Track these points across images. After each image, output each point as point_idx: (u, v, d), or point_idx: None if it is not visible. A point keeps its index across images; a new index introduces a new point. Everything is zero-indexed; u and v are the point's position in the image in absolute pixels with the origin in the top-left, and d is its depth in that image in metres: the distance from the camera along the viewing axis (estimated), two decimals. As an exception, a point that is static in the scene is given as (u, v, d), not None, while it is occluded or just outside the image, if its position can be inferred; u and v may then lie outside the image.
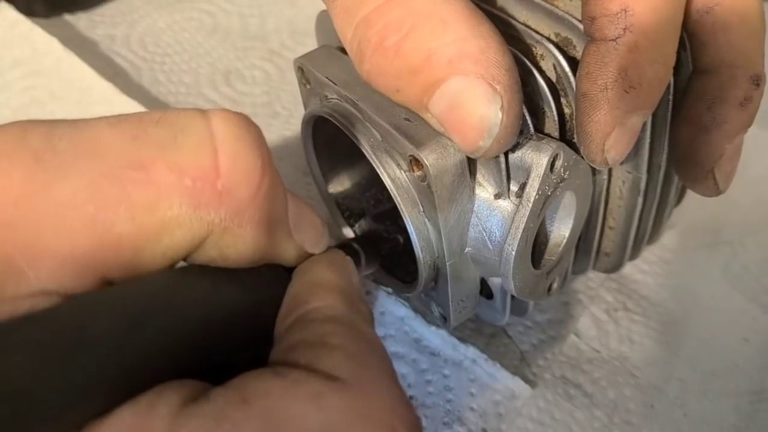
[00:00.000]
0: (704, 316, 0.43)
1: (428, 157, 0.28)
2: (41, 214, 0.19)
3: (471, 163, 0.30)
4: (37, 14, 0.58)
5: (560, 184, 0.30)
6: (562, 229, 0.34)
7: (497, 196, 0.30)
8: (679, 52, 0.31)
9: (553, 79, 0.30)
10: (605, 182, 0.35)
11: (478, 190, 0.31)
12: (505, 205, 0.30)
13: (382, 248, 0.36)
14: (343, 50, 0.32)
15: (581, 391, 0.39)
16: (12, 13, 0.56)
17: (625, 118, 0.28)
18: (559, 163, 0.30)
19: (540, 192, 0.29)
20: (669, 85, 0.31)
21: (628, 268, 0.45)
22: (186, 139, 0.21)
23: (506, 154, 0.29)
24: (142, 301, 0.21)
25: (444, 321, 0.36)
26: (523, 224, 0.30)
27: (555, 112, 0.30)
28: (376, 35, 0.26)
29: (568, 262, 0.35)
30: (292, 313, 0.24)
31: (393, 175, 0.30)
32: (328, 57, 0.34)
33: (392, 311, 0.41)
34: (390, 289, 0.41)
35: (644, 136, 0.32)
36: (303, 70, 0.34)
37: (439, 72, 0.25)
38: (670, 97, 0.32)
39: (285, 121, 0.53)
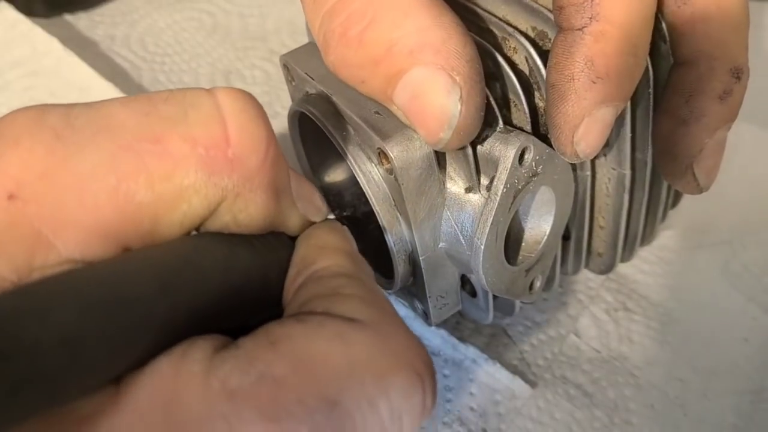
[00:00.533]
0: (704, 316, 0.43)
1: (393, 149, 0.28)
2: (65, 187, 0.20)
3: (441, 157, 0.30)
4: (37, 14, 0.58)
5: (533, 179, 0.30)
6: (541, 226, 0.33)
7: (468, 190, 0.30)
8: (659, 45, 0.31)
9: (526, 72, 0.30)
10: (589, 179, 0.34)
11: (449, 184, 0.31)
12: (476, 199, 0.30)
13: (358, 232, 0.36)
14: None
15: (581, 391, 0.39)
16: (12, 13, 0.56)
17: (594, 109, 0.27)
18: (529, 156, 0.29)
19: (509, 185, 0.29)
20: (649, 78, 0.31)
21: (629, 269, 0.45)
22: (196, 113, 0.22)
23: (474, 148, 0.29)
24: (169, 262, 0.22)
25: (426, 317, 0.36)
26: (491, 218, 0.29)
27: (526, 106, 0.30)
28: (340, 26, 0.26)
29: (551, 260, 0.35)
30: (301, 274, 0.25)
31: (365, 170, 0.31)
32: (311, 53, 0.34)
33: (392, 311, 0.41)
34: (390, 289, 0.41)
35: (624, 131, 0.32)
36: (287, 67, 0.35)
37: (400, 62, 0.25)
38: (651, 91, 0.32)
39: (284, 120, 0.53)
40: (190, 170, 0.22)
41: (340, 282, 0.24)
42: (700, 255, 0.46)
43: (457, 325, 0.41)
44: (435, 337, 0.40)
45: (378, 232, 0.33)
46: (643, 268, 0.45)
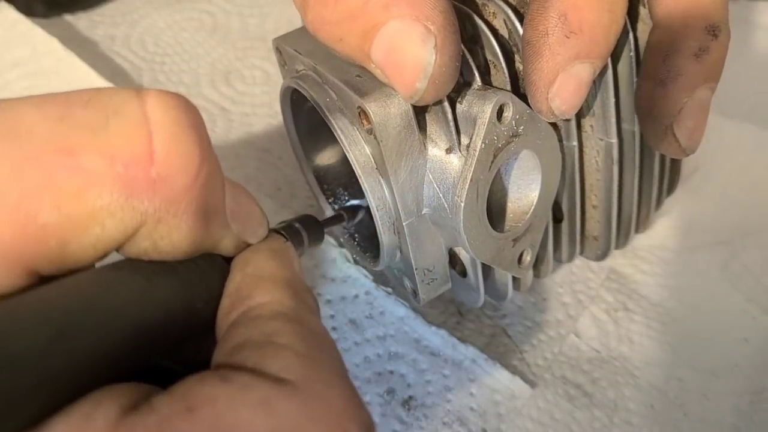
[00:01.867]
0: (704, 316, 0.43)
1: (371, 105, 0.29)
2: None
3: (421, 120, 0.30)
4: (37, 14, 0.58)
5: (513, 139, 0.30)
6: (528, 195, 0.34)
7: (449, 151, 0.31)
8: (638, 9, 0.31)
9: (506, 36, 0.31)
10: (576, 151, 0.35)
11: (430, 147, 0.31)
12: (457, 159, 0.31)
13: (327, 225, 0.36)
14: None
15: (581, 391, 0.39)
16: (12, 13, 0.56)
17: (569, 65, 0.28)
18: (508, 114, 0.30)
19: (487, 141, 0.29)
20: (629, 42, 0.32)
21: (629, 269, 0.45)
22: (118, 121, 0.20)
23: (453, 106, 0.30)
24: (69, 303, 0.19)
25: (414, 295, 0.36)
26: (471, 174, 0.30)
27: (505, 67, 0.30)
28: None
29: (540, 234, 0.35)
30: (235, 309, 0.23)
31: (347, 133, 0.31)
32: (301, 35, 0.35)
33: (392, 311, 0.41)
34: (390, 289, 0.41)
35: (608, 98, 0.33)
36: (279, 49, 0.35)
37: (376, 16, 0.25)
38: (632, 54, 0.32)
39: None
40: (105, 190, 0.19)
41: (275, 327, 0.22)
42: (700, 255, 0.46)
43: (457, 325, 0.41)
44: (435, 337, 0.40)
45: (370, 214, 0.34)
46: (643, 268, 0.45)
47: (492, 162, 0.30)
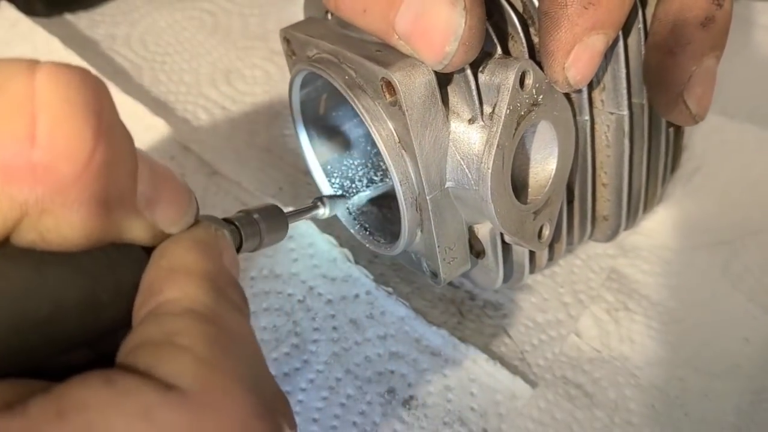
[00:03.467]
0: (705, 316, 0.43)
1: (396, 75, 0.29)
2: None
3: (442, 92, 0.31)
4: (38, 13, 0.58)
5: (534, 108, 0.31)
6: (546, 168, 0.34)
7: (471, 121, 0.31)
8: None
9: (520, 9, 0.31)
10: (588, 125, 0.35)
11: (452, 119, 0.32)
12: (479, 128, 0.31)
13: (296, 217, 0.34)
14: (325, 17, 0.35)
15: (582, 391, 0.39)
16: (12, 13, 0.56)
17: (586, 35, 0.29)
18: (529, 81, 0.30)
19: (511, 107, 0.30)
20: (637, 12, 0.33)
21: (629, 269, 0.45)
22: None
23: (476, 75, 0.30)
24: None
25: (435, 277, 0.36)
26: (497, 140, 0.30)
27: (523, 37, 0.31)
28: None
29: (557, 208, 0.36)
30: (145, 305, 0.21)
31: (368, 107, 0.32)
32: (310, 23, 0.36)
33: (392, 311, 0.41)
34: (390, 288, 0.41)
35: (618, 68, 0.33)
36: (288, 40, 0.36)
37: None
38: (641, 26, 0.33)
39: (285, 120, 0.53)
40: None
41: (179, 326, 0.20)
42: (701, 255, 0.46)
43: (458, 325, 0.41)
44: (435, 337, 0.40)
45: (384, 198, 0.34)
46: (644, 268, 0.45)
47: (516, 129, 0.31)
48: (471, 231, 0.36)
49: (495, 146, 0.30)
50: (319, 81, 0.37)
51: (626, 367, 0.40)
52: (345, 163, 0.41)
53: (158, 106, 0.53)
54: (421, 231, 0.34)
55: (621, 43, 0.33)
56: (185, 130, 0.51)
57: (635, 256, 0.46)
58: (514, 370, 0.39)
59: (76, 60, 0.53)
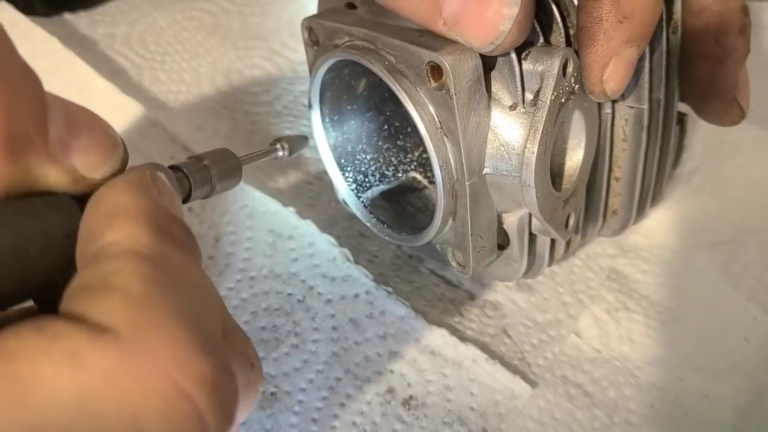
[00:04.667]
0: (705, 316, 0.43)
1: (446, 58, 0.29)
2: None
3: (485, 78, 0.31)
4: (38, 13, 0.58)
5: (572, 96, 0.32)
6: (574, 158, 0.35)
7: (513, 107, 0.32)
8: None
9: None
10: (609, 119, 0.36)
11: (493, 106, 0.32)
12: (521, 115, 0.32)
13: (249, 160, 0.33)
14: (346, 7, 0.35)
15: (582, 391, 0.39)
16: (12, 13, 0.56)
17: (621, 49, 0.30)
18: (570, 69, 0.31)
19: (555, 94, 0.31)
20: (662, 18, 0.33)
21: (629, 268, 0.45)
22: None
23: (520, 62, 0.31)
24: None
25: (462, 268, 0.36)
26: (542, 126, 0.31)
27: (562, 27, 0.31)
28: None
29: (581, 199, 0.36)
30: (87, 251, 0.21)
31: (410, 93, 0.32)
32: (335, 13, 0.36)
33: (392, 310, 0.41)
34: (390, 288, 0.41)
35: (643, 65, 0.34)
36: (311, 29, 0.36)
37: None
38: (664, 24, 0.34)
39: (285, 120, 0.53)
40: None
41: (114, 268, 0.19)
42: (701, 255, 0.46)
43: (458, 325, 0.41)
44: (436, 337, 0.40)
45: (395, 194, 0.33)
46: (643, 268, 0.45)
47: (557, 116, 0.31)
48: (500, 221, 0.36)
49: (540, 131, 0.31)
50: (332, 73, 0.37)
51: (626, 367, 0.40)
52: (358, 157, 0.42)
53: (158, 106, 0.53)
54: (453, 219, 0.34)
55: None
56: (185, 130, 0.51)
57: (635, 256, 0.46)
58: (513, 369, 0.39)
59: (75, 60, 0.53)
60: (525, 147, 0.31)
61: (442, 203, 0.33)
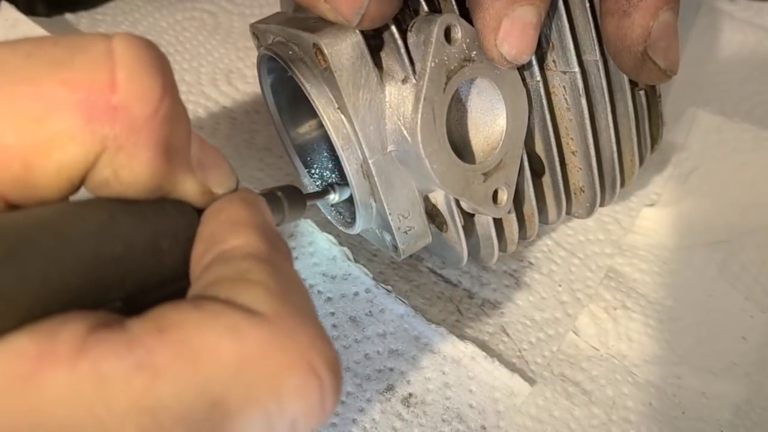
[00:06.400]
0: (702, 315, 0.43)
1: (322, 39, 0.30)
2: None
3: (376, 57, 0.32)
4: (39, 13, 0.58)
5: (467, 63, 0.32)
6: (495, 129, 0.34)
7: (405, 81, 0.32)
8: None
9: None
10: (541, 86, 0.35)
11: (388, 82, 0.32)
12: (411, 87, 0.32)
13: (312, 198, 0.36)
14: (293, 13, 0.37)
15: (580, 389, 0.39)
16: (13, 13, 0.56)
17: (509, 9, 0.29)
18: (457, 36, 0.31)
19: (437, 60, 0.31)
20: None
21: (627, 267, 0.45)
22: (83, 56, 0.21)
23: (403, 36, 0.31)
24: (22, 226, 0.20)
25: (395, 249, 0.37)
26: (423, 93, 0.31)
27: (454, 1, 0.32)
28: None
29: (514, 173, 0.35)
30: (209, 252, 0.24)
31: (307, 76, 0.33)
32: (275, 16, 0.37)
33: (392, 309, 0.41)
34: (390, 287, 0.42)
35: (562, 24, 0.34)
36: (253, 33, 0.37)
37: None
38: None
39: (286, 120, 0.53)
40: (65, 114, 0.20)
41: (248, 265, 0.23)
42: (699, 254, 0.46)
43: (457, 323, 0.42)
44: (435, 335, 0.40)
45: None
46: (641, 266, 0.45)
47: (446, 84, 0.31)
48: (428, 201, 0.36)
49: (422, 99, 0.31)
50: (277, 74, 0.38)
51: (624, 365, 0.40)
52: (325, 155, 0.42)
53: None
54: (374, 201, 0.35)
55: (561, 2, 0.33)
56: (186, 130, 0.52)
57: (633, 255, 0.46)
58: (512, 367, 0.39)
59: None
60: (410, 116, 0.31)
61: (353, 183, 0.34)
